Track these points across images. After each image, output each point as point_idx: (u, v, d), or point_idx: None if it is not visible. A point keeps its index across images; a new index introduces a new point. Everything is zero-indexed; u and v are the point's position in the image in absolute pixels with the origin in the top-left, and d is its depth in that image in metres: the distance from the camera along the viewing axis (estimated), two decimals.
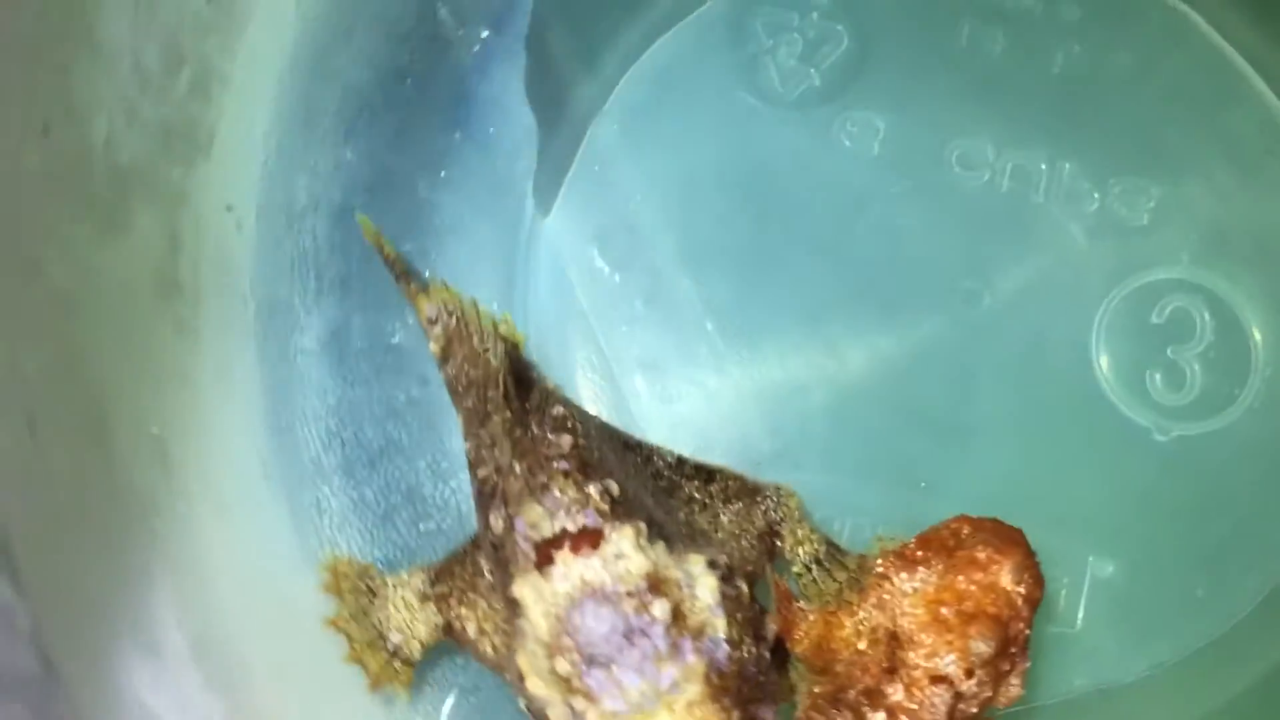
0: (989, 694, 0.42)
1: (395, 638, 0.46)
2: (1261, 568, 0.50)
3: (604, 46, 0.55)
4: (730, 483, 0.46)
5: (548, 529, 0.40)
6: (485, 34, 0.53)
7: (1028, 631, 0.42)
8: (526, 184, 0.53)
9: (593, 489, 0.41)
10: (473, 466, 0.43)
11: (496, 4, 0.53)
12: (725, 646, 0.39)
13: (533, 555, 0.40)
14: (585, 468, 0.41)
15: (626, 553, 0.39)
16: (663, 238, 0.53)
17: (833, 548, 0.45)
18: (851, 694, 0.43)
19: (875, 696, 0.42)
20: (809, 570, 0.45)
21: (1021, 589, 0.42)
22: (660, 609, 0.39)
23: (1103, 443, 0.51)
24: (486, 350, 0.45)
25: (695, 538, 0.43)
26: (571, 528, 0.40)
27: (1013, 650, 0.42)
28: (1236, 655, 0.49)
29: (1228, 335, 0.51)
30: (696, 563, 0.40)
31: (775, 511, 0.45)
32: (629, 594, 0.39)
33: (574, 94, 0.54)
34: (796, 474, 0.49)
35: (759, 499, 0.45)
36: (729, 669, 0.39)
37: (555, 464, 0.41)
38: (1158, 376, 0.51)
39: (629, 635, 0.38)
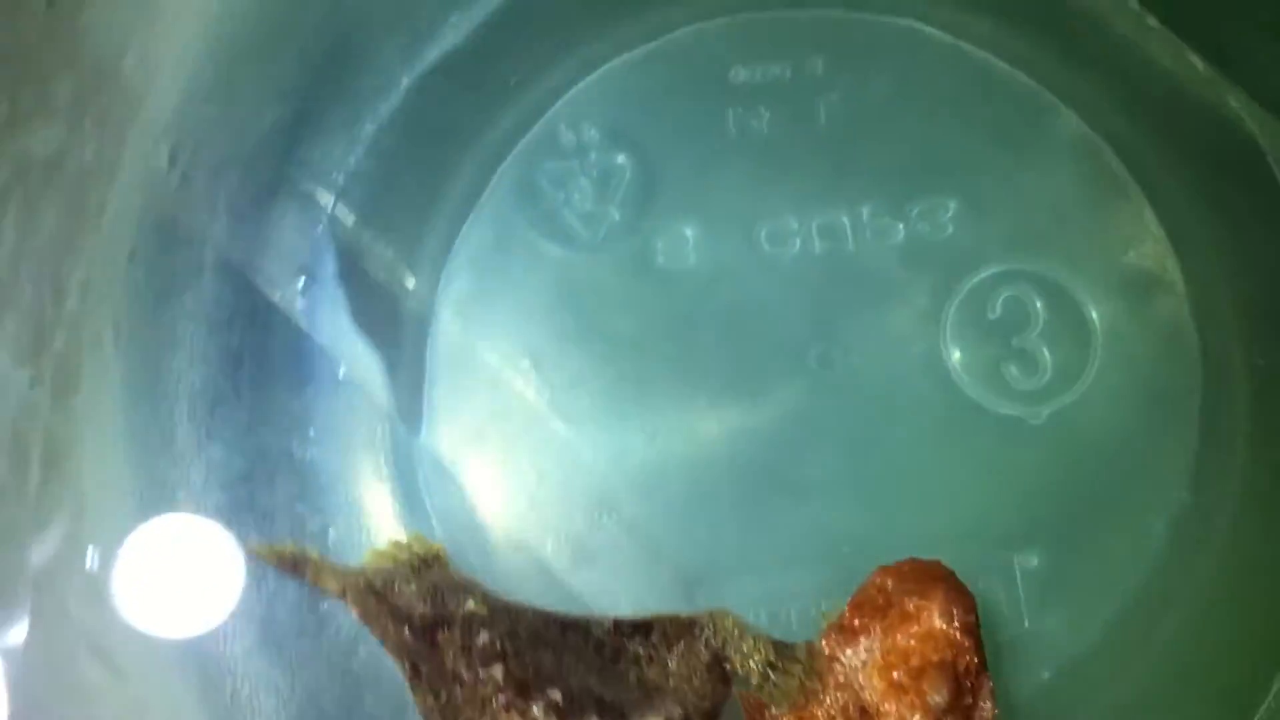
0: None
1: None
2: (1160, 509, 0.54)
3: (415, 249, 0.57)
4: (668, 627, 0.48)
5: None
6: (302, 281, 0.56)
7: (977, 658, 0.45)
8: (390, 411, 0.55)
9: (536, 709, 0.43)
10: (423, 715, 0.45)
11: (303, 253, 0.56)
12: None
13: None
14: (523, 689, 0.44)
15: None
16: (533, 405, 0.56)
17: (779, 646, 0.48)
18: None
19: None
20: (767, 678, 0.47)
21: (955, 623, 0.45)
22: None
23: (986, 445, 0.54)
24: (400, 599, 0.47)
25: (650, 696, 0.45)
26: None
27: (968, 683, 0.45)
28: (1168, 595, 0.53)
29: (1059, 309, 0.55)
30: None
31: (715, 638, 0.48)
32: None
33: (402, 307, 0.57)
34: (731, 580, 0.53)
35: (696, 632, 0.48)
36: None
37: (495, 700, 0.44)
38: (1012, 367, 0.55)
39: None
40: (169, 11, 0.53)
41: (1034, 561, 0.53)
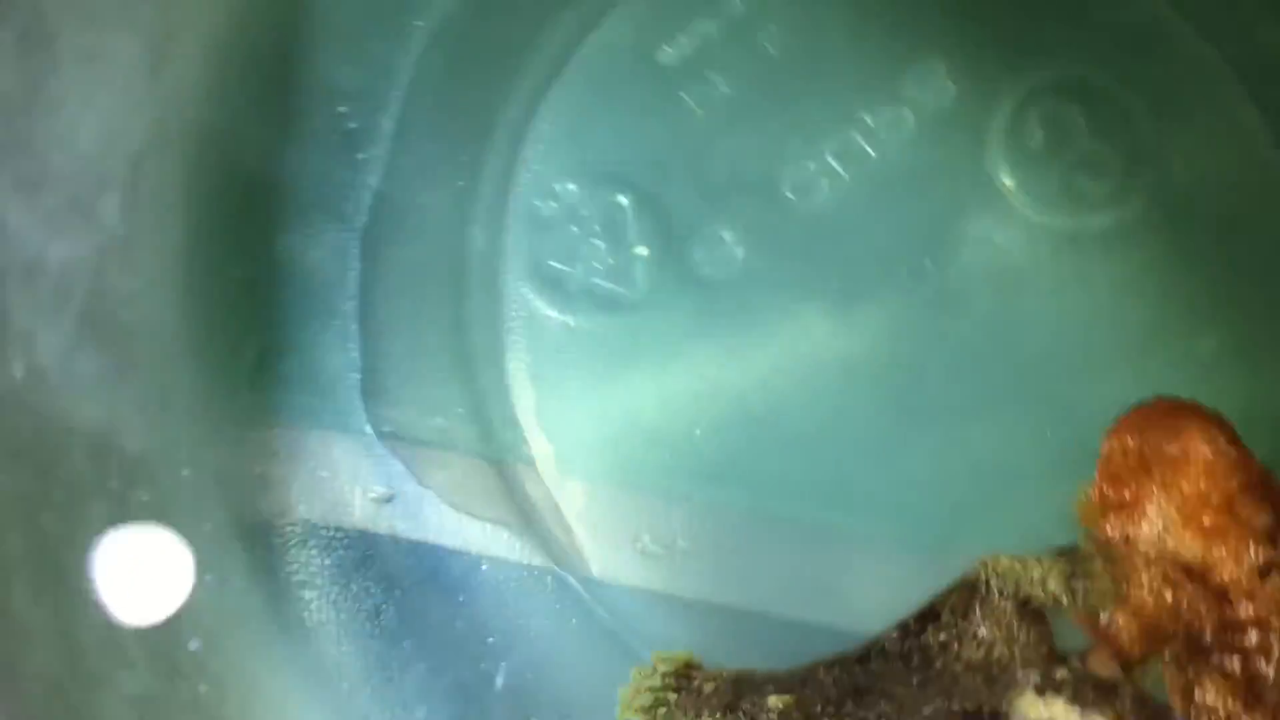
0: None
1: None
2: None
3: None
4: (952, 602, 0.45)
5: None
6: None
7: (1260, 465, 0.44)
8: None
9: None
10: None
11: None
12: None
13: None
14: None
15: None
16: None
17: (1067, 553, 0.46)
18: (1206, 639, 0.44)
19: (1232, 626, 0.43)
20: (1074, 591, 0.45)
21: (1222, 442, 0.44)
22: None
23: (1112, 260, 0.53)
24: None
25: (988, 675, 0.43)
26: None
27: (1269, 483, 0.44)
28: None
29: (1094, 106, 0.53)
30: (1031, 705, 0.40)
31: (1005, 584, 0.46)
32: None
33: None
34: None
35: (984, 590, 0.45)
36: None
37: None
38: (1081, 178, 0.53)
39: None
40: None
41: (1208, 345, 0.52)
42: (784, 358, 0.52)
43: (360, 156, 0.53)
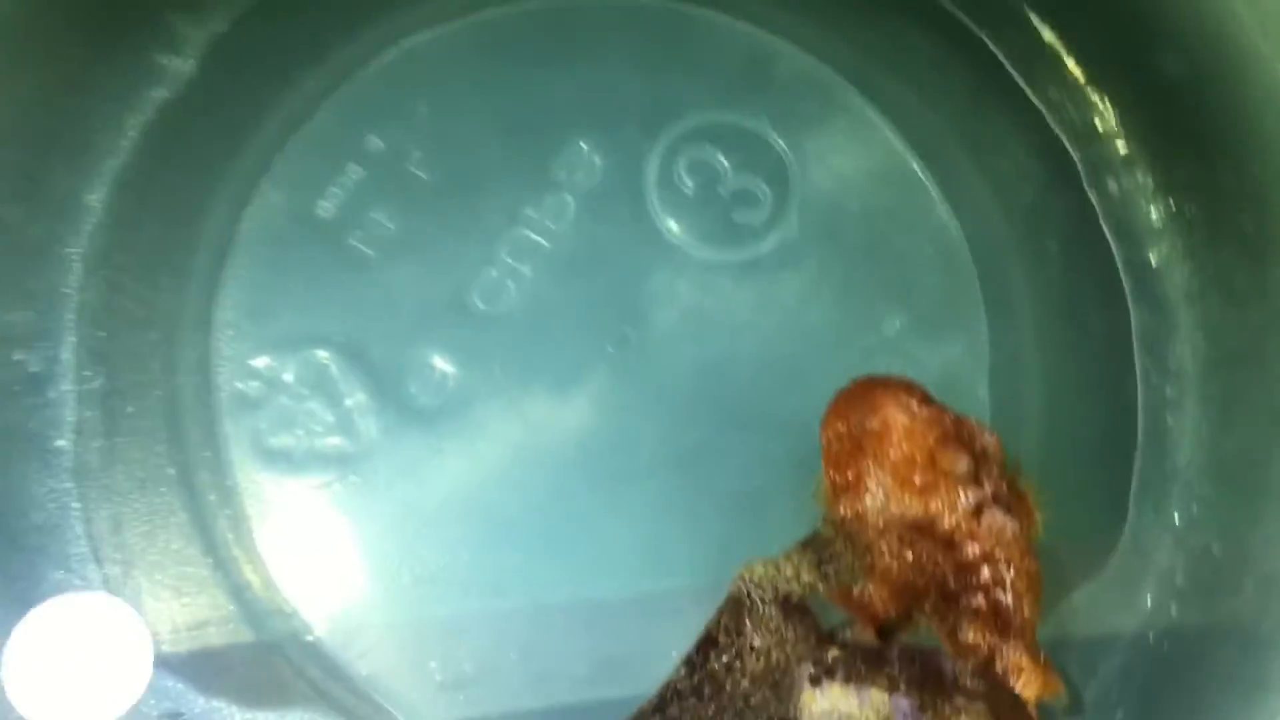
0: (991, 467, 0.48)
1: None
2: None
3: None
4: (725, 621, 0.47)
5: None
6: None
7: (948, 413, 0.48)
8: None
9: None
10: None
11: None
12: (897, 699, 0.42)
13: None
14: None
15: None
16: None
17: (811, 542, 0.48)
18: (950, 583, 0.47)
19: (966, 568, 0.47)
20: (825, 575, 0.48)
21: (914, 405, 0.48)
22: None
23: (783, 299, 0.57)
24: None
25: (774, 682, 0.45)
26: None
27: (964, 433, 0.48)
28: None
29: (729, 142, 0.58)
30: (812, 699, 0.43)
31: (765, 591, 0.48)
32: None
33: None
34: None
35: (747, 602, 0.47)
36: (916, 700, 0.43)
37: None
38: (733, 214, 0.58)
39: None
40: None
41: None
42: (520, 456, 0.54)
43: (51, 396, 0.53)
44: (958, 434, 0.48)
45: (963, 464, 0.47)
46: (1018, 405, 0.56)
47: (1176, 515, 0.53)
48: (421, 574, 0.53)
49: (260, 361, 0.54)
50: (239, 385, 0.54)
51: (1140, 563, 0.53)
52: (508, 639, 0.52)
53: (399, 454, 0.54)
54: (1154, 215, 0.56)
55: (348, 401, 0.54)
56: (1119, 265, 0.56)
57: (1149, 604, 0.52)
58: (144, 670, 0.50)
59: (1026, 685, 0.47)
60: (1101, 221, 0.57)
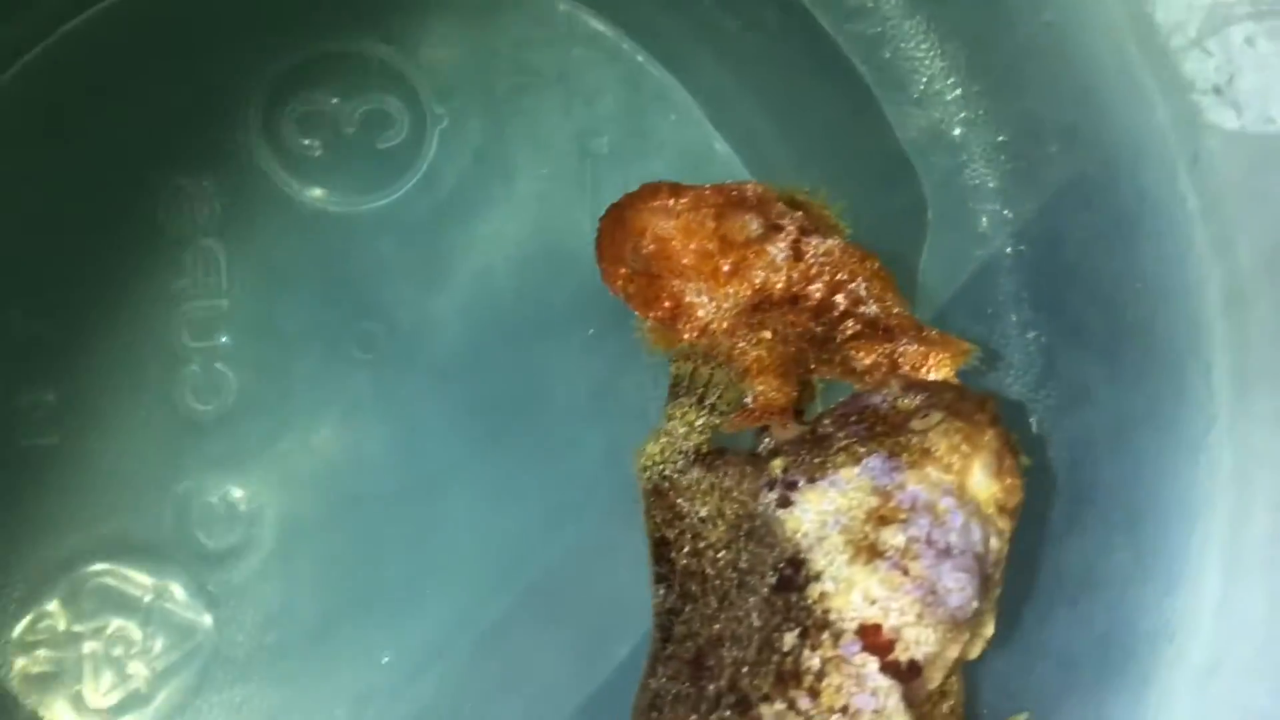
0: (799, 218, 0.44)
1: None
2: None
3: None
4: (658, 519, 0.43)
5: (884, 700, 0.38)
6: None
7: (720, 195, 0.44)
8: None
9: (812, 660, 0.38)
10: None
11: None
12: (868, 460, 0.40)
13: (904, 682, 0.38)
14: (783, 675, 0.39)
15: (867, 589, 0.38)
16: None
17: (674, 395, 0.45)
18: (818, 330, 0.44)
19: (823, 308, 0.43)
20: (714, 408, 0.45)
21: (670, 199, 0.43)
22: (894, 536, 0.38)
23: None
24: None
25: (753, 535, 0.41)
26: (876, 666, 0.38)
27: (744, 193, 0.44)
28: None
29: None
30: (796, 527, 0.40)
31: (672, 467, 0.44)
32: (905, 574, 0.38)
33: None
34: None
35: (663, 488, 0.44)
36: (887, 450, 0.40)
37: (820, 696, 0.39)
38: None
39: (944, 553, 0.38)
40: None
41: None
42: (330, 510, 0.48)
43: None
44: (727, 201, 0.44)
45: (753, 224, 0.44)
46: (750, 137, 0.53)
47: (949, 129, 0.51)
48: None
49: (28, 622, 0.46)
50: (20, 666, 0.46)
51: (950, 196, 0.51)
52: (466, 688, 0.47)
53: (238, 606, 0.47)
54: None
55: (147, 598, 0.47)
56: None
57: (983, 224, 0.51)
58: None
59: (940, 365, 0.45)
60: None
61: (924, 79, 0.52)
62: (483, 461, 0.49)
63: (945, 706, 0.40)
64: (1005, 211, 0.51)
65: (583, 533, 0.49)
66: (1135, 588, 0.47)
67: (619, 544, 0.47)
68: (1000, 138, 0.51)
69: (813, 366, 0.45)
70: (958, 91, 0.51)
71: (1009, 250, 0.50)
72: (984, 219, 0.51)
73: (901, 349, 0.44)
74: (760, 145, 0.53)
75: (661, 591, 0.43)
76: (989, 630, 0.40)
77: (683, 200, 0.44)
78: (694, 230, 0.44)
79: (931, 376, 0.44)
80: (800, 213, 0.45)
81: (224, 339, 0.49)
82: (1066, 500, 0.47)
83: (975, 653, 0.40)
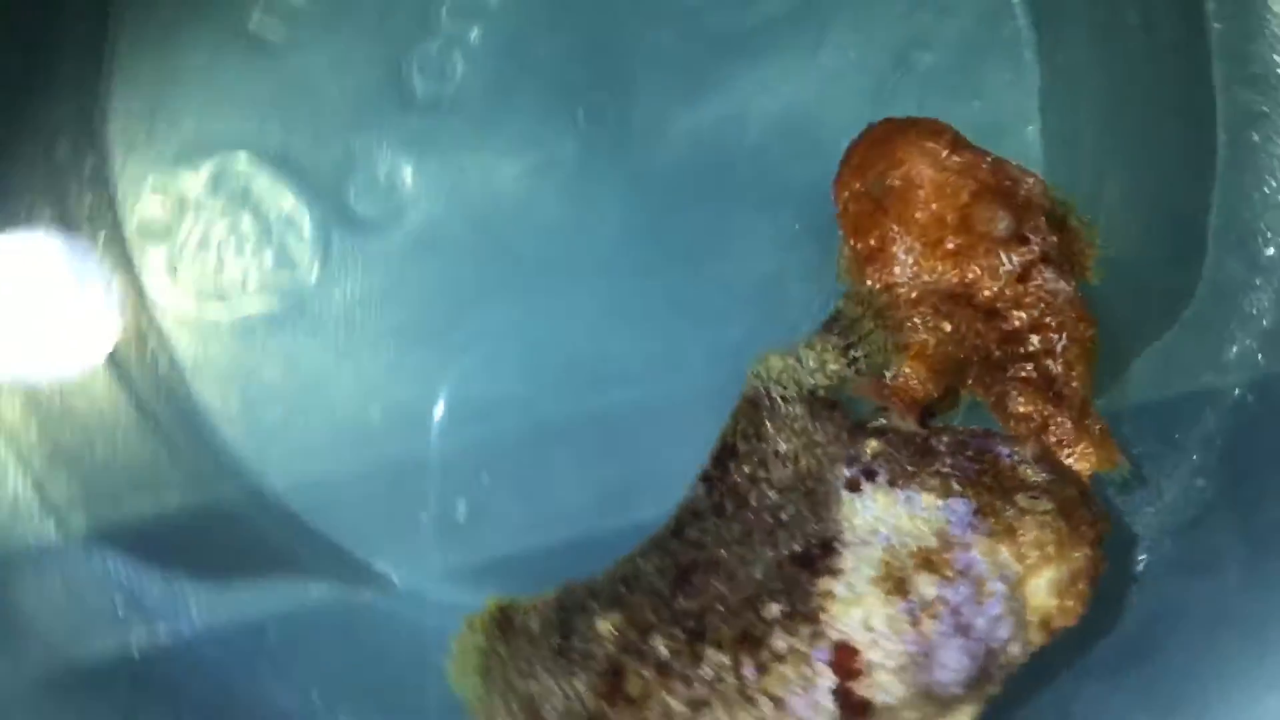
0: (1039, 218, 0.41)
1: None
2: None
3: None
4: (741, 426, 0.42)
5: (832, 707, 0.37)
6: None
7: (985, 158, 0.41)
8: None
9: (779, 642, 0.37)
10: None
11: None
12: (952, 502, 0.38)
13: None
14: (747, 638, 0.38)
15: (863, 615, 0.37)
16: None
17: (832, 323, 0.43)
18: (995, 354, 0.42)
19: (1013, 337, 0.41)
20: (854, 361, 0.43)
21: (943, 154, 0.41)
22: (927, 587, 0.37)
23: None
24: (562, 696, 0.41)
25: (807, 492, 0.40)
26: (832, 682, 0.37)
27: (1005, 182, 0.41)
28: None
29: None
30: (852, 512, 0.38)
31: (785, 388, 0.42)
32: (915, 624, 0.36)
33: None
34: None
35: (767, 402, 0.42)
36: (975, 500, 0.38)
37: (745, 679, 0.38)
38: None
39: (963, 631, 0.37)
40: None
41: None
42: (492, 262, 0.48)
43: None
44: (997, 184, 0.41)
45: (1003, 223, 0.41)
46: (1073, 138, 0.49)
47: (1264, 249, 0.47)
48: (392, 410, 0.48)
49: (166, 178, 0.48)
50: (144, 209, 0.48)
51: (1221, 308, 0.47)
52: (502, 472, 0.48)
53: (345, 273, 0.49)
54: None
55: (275, 216, 0.49)
56: None
57: (1232, 354, 0.47)
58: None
59: (1083, 458, 0.42)
60: None
61: (1275, 185, 0.47)
62: (641, 268, 0.49)
63: None
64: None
65: (673, 388, 0.48)
66: None
67: (694, 413, 0.46)
68: None
69: (970, 382, 0.43)
70: None
71: (1238, 393, 0.46)
72: (1237, 351, 0.47)
73: (1060, 420, 0.41)
74: (1074, 151, 0.49)
75: (701, 490, 0.42)
76: None
77: (956, 158, 0.41)
78: (946, 193, 0.41)
79: (1070, 463, 0.42)
80: (1056, 238, 0.42)
81: (475, 31, 0.49)
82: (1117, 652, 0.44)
83: None
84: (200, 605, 0.47)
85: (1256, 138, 0.47)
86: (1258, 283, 0.46)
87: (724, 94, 0.49)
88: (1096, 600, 0.39)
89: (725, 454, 0.43)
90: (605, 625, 0.41)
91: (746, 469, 0.42)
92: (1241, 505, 0.45)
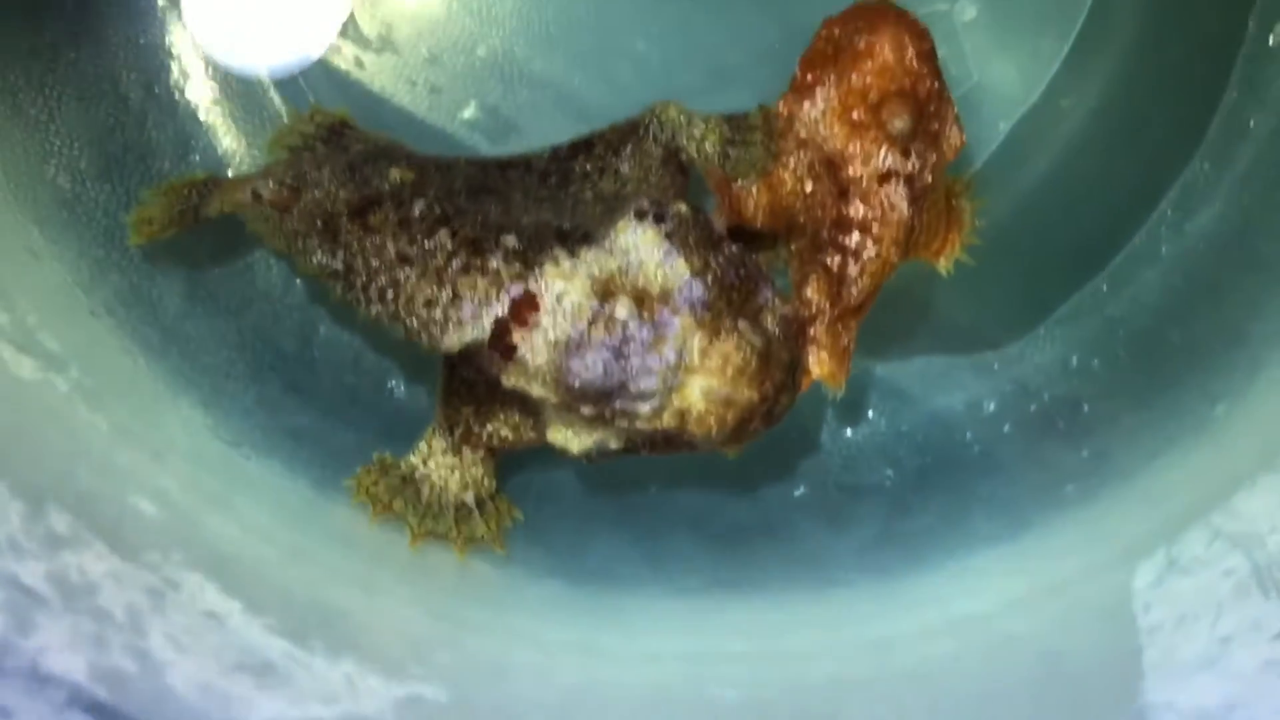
0: (934, 157, 0.46)
1: (467, 496, 0.49)
2: None
3: None
4: (610, 136, 0.48)
5: (487, 328, 0.42)
6: None
7: (936, 83, 0.45)
8: None
9: (494, 261, 0.43)
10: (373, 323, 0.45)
11: None
12: (695, 282, 0.42)
13: (498, 356, 0.42)
14: (476, 245, 0.43)
15: (563, 289, 0.42)
16: None
17: (733, 119, 0.48)
18: (824, 233, 0.46)
19: (843, 224, 0.46)
20: (726, 155, 0.48)
21: (909, 52, 0.45)
22: (622, 309, 0.41)
23: None
24: (318, 189, 0.46)
25: (610, 207, 0.46)
26: (504, 312, 0.42)
27: (931, 108, 0.46)
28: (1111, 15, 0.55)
29: None
30: (624, 229, 0.43)
31: (662, 132, 0.48)
32: (592, 323, 0.41)
33: None
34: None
35: (642, 132, 0.48)
36: (711, 295, 0.42)
37: (449, 268, 0.43)
38: None
39: (619, 354, 0.42)
40: None
41: (971, 12, 0.54)
42: None
43: None
44: (922, 103, 0.45)
45: (900, 123, 0.45)
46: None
47: None
48: None
49: None
50: None
51: None
52: None
53: None
54: None
55: None
56: None
57: None
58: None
59: (820, 362, 0.47)
60: None
61: None
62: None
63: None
64: None
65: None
66: None
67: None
68: None
69: (790, 243, 0.47)
70: None
71: None
72: None
73: (826, 319, 0.46)
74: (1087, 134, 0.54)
75: (547, 154, 0.48)
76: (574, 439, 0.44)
77: (915, 62, 0.45)
78: (884, 77, 0.45)
79: (809, 354, 0.47)
80: (939, 183, 0.46)
81: None
82: None
83: (573, 446, 0.45)
84: None
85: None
86: None
87: None
88: None
89: (583, 146, 0.48)
90: (396, 173, 0.46)
91: (589, 166, 0.47)
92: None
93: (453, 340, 0.43)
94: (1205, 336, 0.53)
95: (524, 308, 0.42)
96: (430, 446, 0.49)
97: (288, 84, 0.53)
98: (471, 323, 0.42)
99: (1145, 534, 0.48)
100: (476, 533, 0.49)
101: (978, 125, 0.54)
